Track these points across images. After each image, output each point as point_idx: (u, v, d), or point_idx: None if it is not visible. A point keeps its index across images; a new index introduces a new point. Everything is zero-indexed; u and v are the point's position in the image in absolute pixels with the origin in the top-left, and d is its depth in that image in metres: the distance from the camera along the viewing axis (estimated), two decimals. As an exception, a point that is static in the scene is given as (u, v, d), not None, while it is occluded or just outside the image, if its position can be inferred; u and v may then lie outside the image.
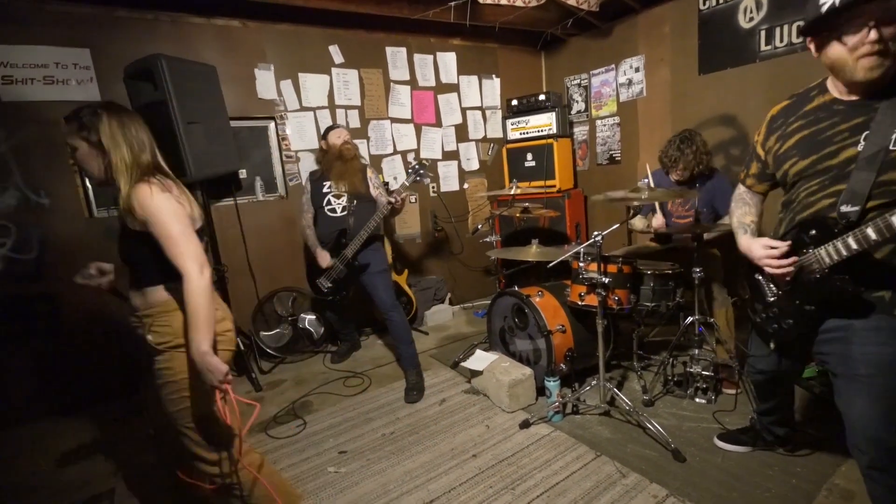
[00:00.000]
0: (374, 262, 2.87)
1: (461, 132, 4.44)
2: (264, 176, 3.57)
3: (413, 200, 4.20)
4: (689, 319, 2.46)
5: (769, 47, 3.02)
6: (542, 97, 4.14)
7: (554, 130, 4.12)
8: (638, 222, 2.88)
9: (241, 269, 3.40)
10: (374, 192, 2.93)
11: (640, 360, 2.74)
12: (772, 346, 1.57)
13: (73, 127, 1.39)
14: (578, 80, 4.41)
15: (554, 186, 4.11)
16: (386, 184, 3.90)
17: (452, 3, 3.34)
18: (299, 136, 3.62)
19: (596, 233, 2.24)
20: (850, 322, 1.34)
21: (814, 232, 1.35)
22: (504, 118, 4.46)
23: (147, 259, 1.42)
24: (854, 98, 1.30)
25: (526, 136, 4.29)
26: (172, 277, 1.38)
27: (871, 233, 1.20)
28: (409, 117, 4.14)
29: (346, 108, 3.80)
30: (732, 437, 2.09)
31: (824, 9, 1.20)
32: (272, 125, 3.56)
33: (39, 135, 2.76)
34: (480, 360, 2.81)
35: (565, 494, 1.88)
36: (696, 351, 2.45)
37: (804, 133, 1.39)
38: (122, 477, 2.27)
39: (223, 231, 3.25)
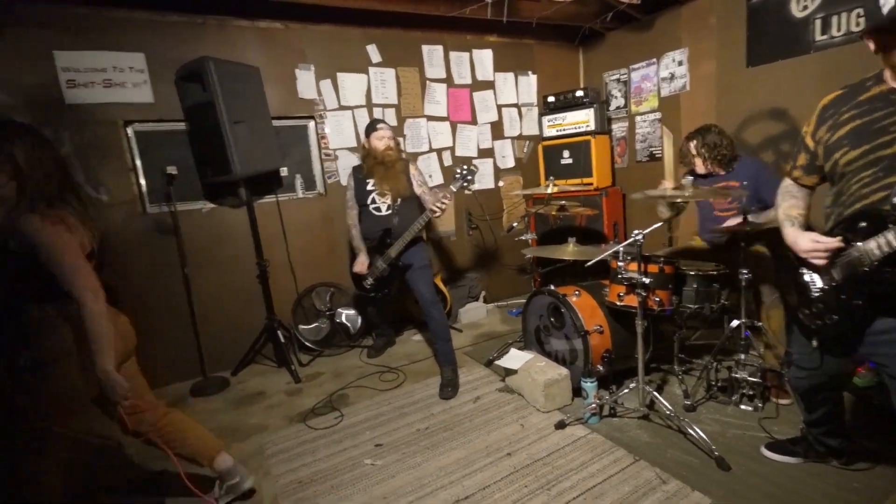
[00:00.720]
0: (416, 259, 2.91)
1: (497, 129, 4.42)
2: (304, 174, 3.67)
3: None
4: (735, 323, 2.37)
5: (825, 37, 2.86)
6: (579, 93, 4.07)
7: (592, 127, 4.04)
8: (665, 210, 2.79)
9: (282, 265, 3.51)
10: (417, 189, 2.94)
11: (682, 364, 2.66)
12: (814, 343, 1.52)
13: None
14: (617, 76, 4.31)
15: (591, 184, 4.04)
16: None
17: (489, 0, 3.32)
18: (338, 134, 3.70)
19: (636, 231, 2.19)
20: None
21: (864, 224, 1.30)
22: (540, 115, 4.41)
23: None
24: None
25: (563, 132, 4.22)
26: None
27: None
28: (445, 115, 4.15)
29: (384, 106, 3.85)
30: (782, 447, 2.00)
31: (885, 10, 1.18)
32: (312, 124, 3.65)
33: (99, 135, 2.94)
34: (515, 358, 2.79)
35: (603, 498, 1.85)
36: (743, 356, 2.36)
37: (857, 123, 1.35)
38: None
39: (265, 227, 3.36)
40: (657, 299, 2.30)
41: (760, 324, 2.39)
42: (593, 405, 2.35)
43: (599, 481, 1.94)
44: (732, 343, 2.45)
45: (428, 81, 4.03)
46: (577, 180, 4.07)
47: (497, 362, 2.92)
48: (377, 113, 3.82)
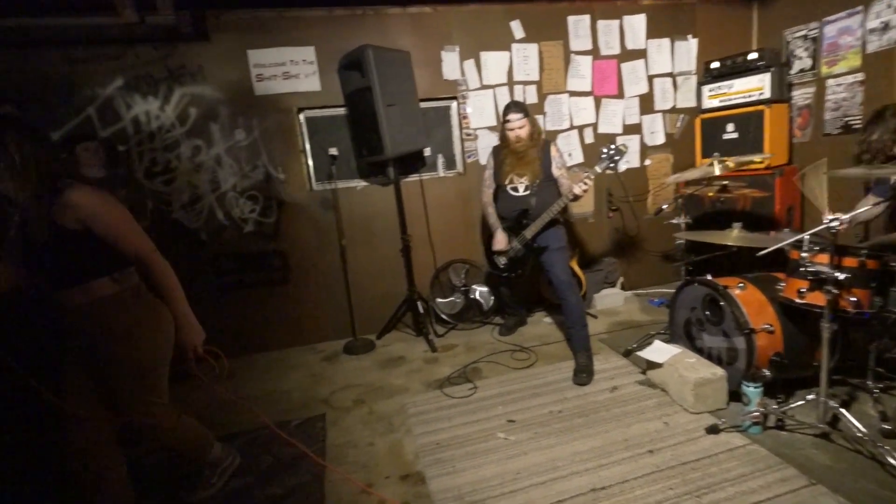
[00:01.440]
0: (552, 240, 2.85)
1: (646, 103, 4.06)
2: (445, 153, 3.80)
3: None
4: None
5: None
6: (752, 56, 3.50)
7: (767, 95, 3.47)
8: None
9: (422, 240, 3.73)
10: (556, 172, 2.86)
11: (879, 380, 2.20)
12: None
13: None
14: (804, 32, 3.61)
15: (763, 162, 3.49)
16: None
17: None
18: (479, 113, 3.74)
19: (831, 216, 1.84)
20: None
21: None
22: (699, 84, 3.92)
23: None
24: None
25: (727, 103, 3.70)
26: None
27: None
28: (589, 89, 3.93)
29: (524, 83, 3.78)
30: None
31: None
32: (454, 104, 3.74)
33: (279, 122, 3.40)
34: (660, 351, 2.59)
35: (767, 516, 1.65)
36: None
37: None
38: (331, 405, 2.73)
39: (409, 204, 3.59)
40: (853, 299, 1.92)
41: None
42: (756, 413, 2.08)
43: (763, 499, 1.73)
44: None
45: (572, 55, 3.84)
46: (748, 158, 3.55)
47: (638, 353, 2.74)
48: (518, 91, 3.77)
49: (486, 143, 3.72)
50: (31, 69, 2.93)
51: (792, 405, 2.07)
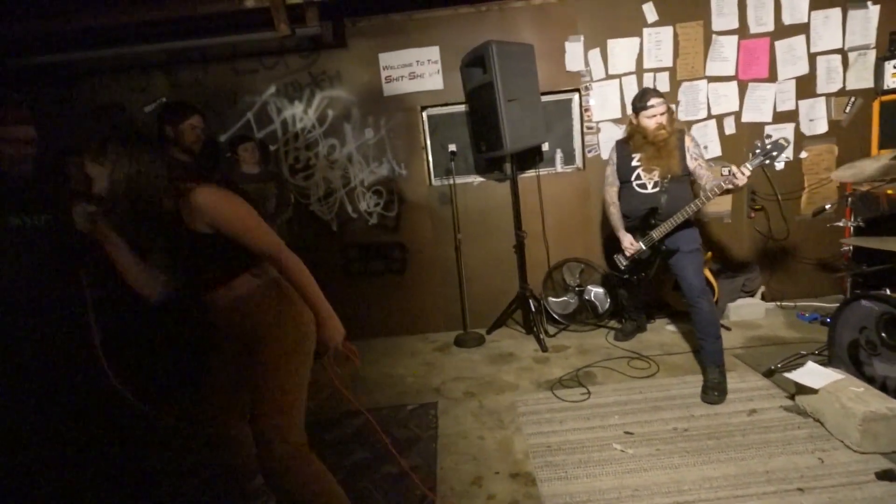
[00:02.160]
0: (684, 242, 2.59)
1: (805, 86, 3.50)
2: (564, 148, 3.68)
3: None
4: None
5: None
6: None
7: (983, 70, 2.78)
8: None
9: (537, 237, 3.67)
10: (691, 163, 2.57)
11: None
12: None
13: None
14: None
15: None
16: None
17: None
18: (602, 105, 3.55)
19: None
20: None
21: None
22: (881, 59, 3.28)
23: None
24: None
25: (922, 82, 3.04)
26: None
27: None
28: (733, 74, 3.50)
29: (656, 70, 3.49)
30: None
31: None
32: (576, 97, 3.60)
33: (403, 120, 3.58)
34: (814, 374, 2.24)
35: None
36: None
37: None
38: (443, 394, 2.84)
39: (525, 200, 3.56)
40: None
41: None
42: (951, 464, 1.70)
43: (959, 569, 1.42)
44: None
45: (714, 35, 3.45)
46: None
47: (785, 374, 2.40)
48: (647, 79, 3.50)
49: (608, 137, 3.52)
50: (208, 81, 3.47)
51: None
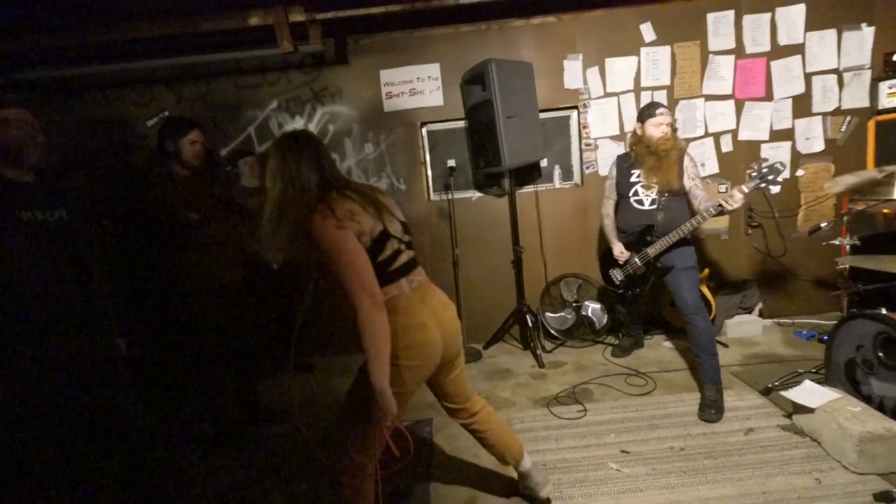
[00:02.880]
0: (679, 260, 2.60)
1: (801, 104, 3.54)
2: (563, 164, 3.72)
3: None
4: None
5: None
6: (956, 44, 2.87)
7: (976, 91, 2.82)
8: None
9: (534, 253, 3.68)
10: (688, 183, 2.60)
11: None
12: None
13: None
14: None
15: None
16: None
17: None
18: (601, 123, 3.59)
19: None
20: None
21: None
22: (877, 80, 3.32)
23: None
24: None
25: (916, 102, 3.08)
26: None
27: None
28: (729, 92, 3.55)
29: (653, 89, 3.54)
30: None
31: None
32: (574, 114, 3.64)
33: (403, 136, 3.62)
34: (811, 393, 2.24)
35: None
36: None
37: None
38: (438, 410, 2.82)
39: (523, 216, 3.58)
40: None
41: None
42: (948, 487, 1.69)
43: None
44: None
45: (711, 55, 3.50)
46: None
47: (781, 392, 2.40)
48: (645, 97, 3.54)
49: (606, 154, 3.56)
50: (212, 96, 3.52)
51: None
